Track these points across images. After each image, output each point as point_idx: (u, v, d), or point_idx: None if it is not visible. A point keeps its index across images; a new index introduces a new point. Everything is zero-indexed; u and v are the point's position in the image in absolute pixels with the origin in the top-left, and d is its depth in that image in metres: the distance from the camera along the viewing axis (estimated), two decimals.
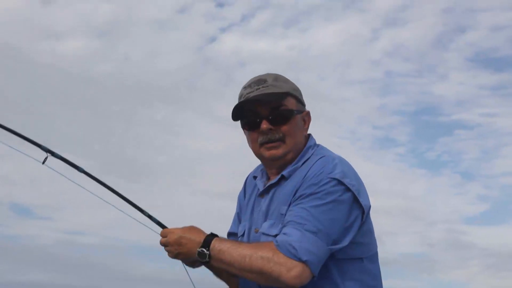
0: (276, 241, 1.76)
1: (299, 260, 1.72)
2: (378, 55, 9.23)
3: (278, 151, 1.93)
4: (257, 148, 1.97)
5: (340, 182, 1.82)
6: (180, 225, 1.92)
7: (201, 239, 1.83)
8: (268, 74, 1.99)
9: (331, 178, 1.82)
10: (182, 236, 1.86)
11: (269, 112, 1.92)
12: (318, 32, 9.39)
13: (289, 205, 1.85)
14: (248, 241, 1.97)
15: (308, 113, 2.03)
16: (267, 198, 1.96)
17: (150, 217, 2.01)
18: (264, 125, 1.91)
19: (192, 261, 1.92)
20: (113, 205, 2.03)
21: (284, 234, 1.77)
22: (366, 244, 1.92)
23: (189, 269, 1.97)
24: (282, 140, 1.93)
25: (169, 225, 1.98)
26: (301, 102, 2.01)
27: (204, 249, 1.81)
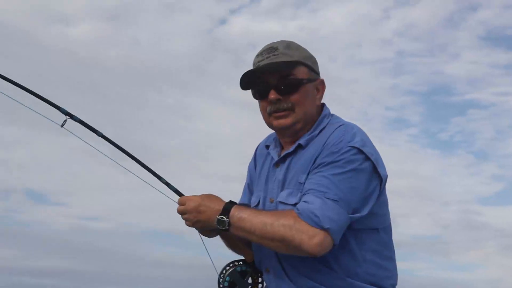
0: (297, 209, 1.75)
1: (321, 227, 1.71)
2: (389, 34, 9.13)
3: (287, 121, 1.91)
4: (266, 117, 1.96)
5: (360, 151, 1.81)
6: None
7: (220, 206, 1.81)
8: (280, 42, 1.96)
9: (351, 146, 1.81)
10: (201, 203, 1.84)
11: (277, 81, 1.90)
12: (328, 12, 9.27)
13: (308, 174, 1.84)
14: (264, 209, 1.94)
15: (322, 82, 1.99)
16: (283, 168, 1.94)
17: (167, 184, 1.98)
18: (272, 95, 1.90)
19: (209, 229, 1.89)
20: (130, 171, 2.00)
21: (305, 202, 1.76)
22: (382, 215, 1.92)
23: (204, 238, 1.95)
24: (291, 109, 1.90)
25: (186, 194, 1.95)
26: (313, 70, 1.97)
27: (223, 217, 1.79)
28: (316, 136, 1.91)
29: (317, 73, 1.99)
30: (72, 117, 1.98)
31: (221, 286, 1.93)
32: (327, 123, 1.94)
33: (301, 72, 1.92)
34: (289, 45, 1.94)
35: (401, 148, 9.25)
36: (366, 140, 1.86)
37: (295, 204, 1.80)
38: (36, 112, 1.94)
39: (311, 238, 1.71)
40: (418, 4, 9.20)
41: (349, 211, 1.76)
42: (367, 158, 1.81)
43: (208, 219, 1.82)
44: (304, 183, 1.83)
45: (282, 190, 1.91)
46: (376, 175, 1.83)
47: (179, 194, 1.95)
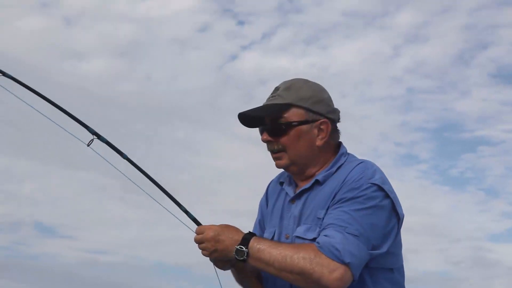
0: (318, 243, 1.74)
1: (342, 262, 1.70)
2: (399, 72, 9.23)
3: (281, 162, 1.94)
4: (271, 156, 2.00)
5: (381, 188, 1.82)
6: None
7: (239, 237, 1.80)
8: (286, 82, 1.97)
9: (372, 183, 1.81)
10: (220, 233, 1.82)
11: (268, 124, 1.93)
12: (338, 49, 9.42)
13: (327, 209, 1.83)
14: None
15: (324, 122, 1.93)
16: (299, 204, 1.94)
17: (186, 212, 1.96)
18: (264, 136, 1.94)
19: (224, 260, 1.87)
20: (151, 196, 1.99)
21: (326, 236, 1.75)
22: (397, 254, 1.92)
23: (218, 271, 1.92)
24: (283, 150, 1.93)
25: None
26: (312, 111, 1.93)
27: (242, 247, 1.77)
28: (334, 173, 1.92)
29: (320, 114, 1.94)
30: (99, 137, 1.99)
31: None
32: (345, 161, 1.94)
33: (293, 115, 1.91)
34: (290, 86, 1.94)
35: (411, 184, 9.24)
36: (385, 179, 1.86)
37: (313, 239, 1.79)
38: (65, 129, 1.96)
39: (332, 272, 1.69)
40: (429, 42, 9.35)
41: (369, 247, 1.76)
42: (387, 196, 1.82)
43: (226, 248, 1.80)
44: (323, 218, 1.82)
45: (298, 225, 1.90)
46: (394, 214, 1.84)
47: (197, 223, 1.93)
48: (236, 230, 1.84)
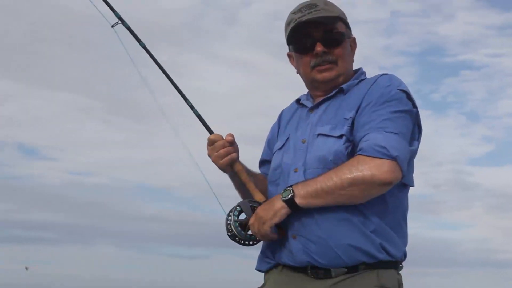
0: (360, 149, 1.77)
1: (390, 157, 1.74)
2: None
3: (332, 73, 1.96)
4: (308, 72, 1.99)
5: (409, 96, 1.88)
6: None
7: (278, 196, 1.82)
8: None
9: (401, 90, 1.87)
10: (259, 212, 1.84)
11: (323, 35, 1.95)
12: None
13: (357, 111, 1.86)
14: (294, 151, 1.94)
15: (354, 40, 2.05)
16: (319, 111, 1.96)
17: (199, 117, 2.05)
18: (319, 47, 1.94)
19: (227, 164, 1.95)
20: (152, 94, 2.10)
21: (366, 140, 1.78)
22: (412, 171, 1.95)
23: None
24: (334, 62, 1.96)
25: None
26: (349, 27, 2.04)
27: (287, 189, 1.80)
28: (356, 84, 1.96)
29: (351, 31, 2.05)
30: (123, 22, 2.11)
31: (231, 214, 1.90)
32: (365, 78, 2.01)
33: (342, 27, 1.99)
34: (327, 2, 2.01)
35: None
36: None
37: (341, 136, 1.84)
38: (95, 5, 2.08)
39: (381, 167, 1.72)
40: None
41: (408, 143, 1.82)
42: (415, 106, 1.89)
43: (275, 211, 1.81)
44: (352, 118, 1.85)
45: (316, 128, 1.92)
46: (417, 125, 1.91)
47: (210, 131, 2.02)
48: (272, 200, 1.85)
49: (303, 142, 1.92)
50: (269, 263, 1.94)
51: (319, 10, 1.94)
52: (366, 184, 1.74)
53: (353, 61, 2.06)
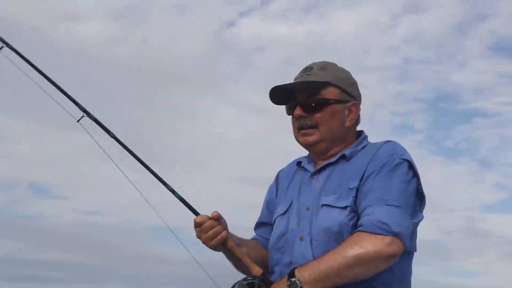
0: (361, 225, 1.76)
1: (391, 233, 1.72)
2: (397, 41, 9.17)
3: (311, 138, 1.95)
4: (295, 133, 2.00)
5: (411, 166, 1.87)
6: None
7: (283, 280, 1.77)
8: (319, 62, 2.02)
9: (404, 159, 1.87)
10: None
11: (304, 99, 1.95)
12: (336, 17, 9.34)
13: (360, 180, 1.85)
14: (298, 218, 1.92)
15: (354, 104, 2.01)
16: (321, 178, 1.95)
17: (182, 200, 1.97)
18: (297, 111, 1.95)
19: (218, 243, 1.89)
20: (132, 183, 2.03)
21: (367, 215, 1.76)
22: (415, 239, 1.93)
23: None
24: (315, 127, 1.95)
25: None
26: (346, 92, 2.00)
27: (291, 279, 1.74)
28: (359, 150, 1.96)
29: (352, 96, 2.01)
30: (89, 115, 2.05)
31: None
32: (368, 143, 2.00)
33: (330, 93, 1.96)
34: (325, 67, 2.00)
35: None
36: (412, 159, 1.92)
37: (345, 207, 1.82)
38: (58, 103, 2.03)
39: (382, 241, 1.71)
40: (427, 12, 9.29)
41: (411, 216, 1.80)
42: (416, 175, 1.88)
43: None
44: (356, 188, 1.84)
45: (320, 197, 1.90)
46: (420, 193, 1.89)
47: (195, 212, 1.94)
48: (278, 283, 1.80)
49: (307, 209, 1.90)
50: None
51: (311, 74, 1.97)
52: (371, 261, 1.71)
53: (351, 126, 2.00)
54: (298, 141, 2.01)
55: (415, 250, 1.91)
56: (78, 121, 2.05)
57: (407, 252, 1.85)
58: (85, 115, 2.06)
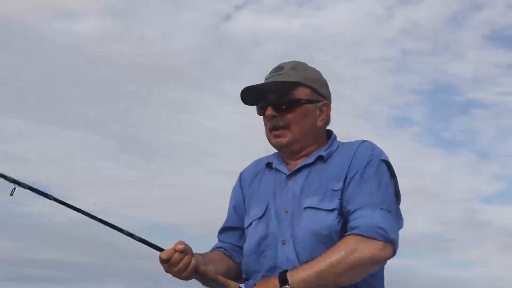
0: (358, 227, 1.76)
1: (387, 239, 1.75)
2: (393, 33, 9.06)
3: (283, 140, 1.94)
4: (268, 134, 1.99)
5: (390, 167, 1.91)
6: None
7: (275, 281, 1.75)
8: (289, 62, 2.00)
9: (383, 160, 1.90)
10: None
11: (275, 99, 1.94)
12: (332, 10, 9.21)
13: (344, 182, 1.85)
14: (277, 221, 1.89)
15: (326, 104, 2.00)
16: (299, 179, 1.92)
17: (142, 241, 1.92)
18: (269, 111, 1.94)
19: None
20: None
21: (361, 217, 1.77)
22: None
23: None
24: (287, 127, 1.94)
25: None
26: (317, 92, 1.99)
27: (286, 286, 1.72)
28: (335, 151, 1.95)
29: (323, 96, 2.01)
30: (20, 184, 1.94)
31: None
32: (340, 144, 2.00)
33: (301, 93, 1.95)
34: (296, 66, 1.99)
35: (404, 146, 9.35)
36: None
37: (332, 210, 1.81)
38: None
39: (377, 246, 1.74)
40: (422, 3, 9.16)
41: (397, 222, 1.85)
42: (394, 175, 1.92)
43: None
44: (340, 190, 1.84)
45: (304, 198, 1.88)
46: (397, 194, 1.92)
47: (159, 249, 1.88)
48: (265, 284, 1.79)
49: (286, 212, 1.89)
50: None
51: (282, 74, 1.96)
52: (367, 265, 1.74)
53: (321, 126, 2.01)
54: (270, 142, 1.99)
55: None
56: (11, 194, 1.93)
57: None
58: (16, 185, 1.93)
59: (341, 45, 9.19)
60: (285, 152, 1.99)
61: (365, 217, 1.76)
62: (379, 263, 1.77)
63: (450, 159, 9.56)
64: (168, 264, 1.81)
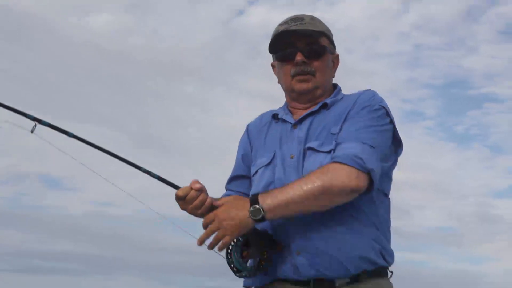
0: (337, 156, 1.78)
1: (365, 169, 1.75)
2: (407, 28, 9.13)
3: (308, 85, 1.99)
4: (288, 81, 2.02)
5: (388, 113, 1.94)
6: None
7: (245, 202, 1.77)
8: (304, 14, 2.06)
9: (382, 106, 1.93)
10: (228, 210, 1.79)
11: (305, 46, 1.99)
12: (346, 4, 9.36)
13: (342, 125, 1.90)
14: (283, 167, 1.92)
15: (337, 56, 2.11)
16: (303, 127, 1.97)
17: (160, 178, 1.94)
18: (299, 57, 1.98)
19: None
20: (103, 177, 2.00)
21: (343, 148, 1.81)
22: (391, 180, 2.00)
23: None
24: (312, 74, 1.99)
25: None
26: (333, 44, 2.09)
27: (255, 205, 1.74)
28: (339, 100, 2.01)
29: (335, 48, 2.10)
30: (41, 121, 1.99)
31: (230, 247, 1.85)
32: (345, 95, 2.06)
33: (325, 42, 2.03)
34: (314, 18, 2.07)
35: (417, 141, 9.29)
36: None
37: (329, 151, 1.85)
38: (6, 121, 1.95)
39: (352, 175, 1.74)
40: None
41: (382, 159, 1.85)
42: (391, 122, 1.94)
43: (243, 218, 1.76)
44: (338, 134, 1.88)
45: (305, 143, 1.92)
46: (394, 139, 1.95)
47: (175, 187, 1.92)
48: (236, 200, 1.83)
49: (291, 158, 1.92)
50: (265, 278, 1.90)
51: (305, 23, 2.00)
52: (337, 192, 1.74)
53: (333, 77, 2.10)
54: (291, 87, 2.02)
55: (388, 193, 1.99)
56: (32, 131, 1.98)
57: (384, 195, 1.95)
58: (36, 123, 1.98)
59: (355, 40, 9.28)
60: (305, 98, 2.02)
61: (346, 148, 1.79)
62: (351, 191, 1.74)
63: (463, 153, 9.57)
64: (184, 201, 1.86)
